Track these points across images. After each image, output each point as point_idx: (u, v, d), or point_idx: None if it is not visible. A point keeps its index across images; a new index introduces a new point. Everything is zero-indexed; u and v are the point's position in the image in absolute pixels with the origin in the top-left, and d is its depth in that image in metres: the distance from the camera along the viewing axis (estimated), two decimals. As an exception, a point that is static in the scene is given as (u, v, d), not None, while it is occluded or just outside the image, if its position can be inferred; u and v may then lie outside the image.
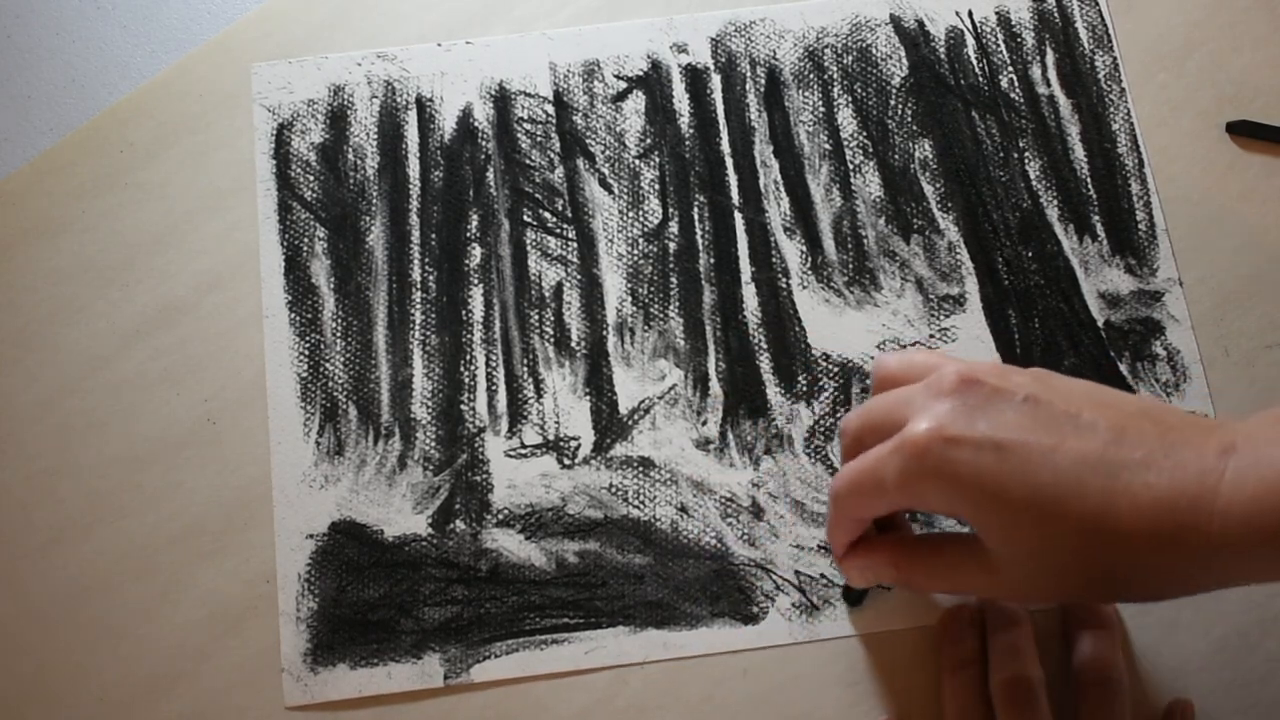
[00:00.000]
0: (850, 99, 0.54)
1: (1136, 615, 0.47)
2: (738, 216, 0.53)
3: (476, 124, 0.54)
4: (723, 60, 0.55)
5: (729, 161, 0.53)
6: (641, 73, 0.54)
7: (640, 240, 0.52)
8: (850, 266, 0.52)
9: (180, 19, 0.57)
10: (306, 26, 0.55)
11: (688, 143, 0.53)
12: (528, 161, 0.53)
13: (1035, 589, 0.40)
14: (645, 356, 0.51)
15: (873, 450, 0.40)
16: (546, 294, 0.52)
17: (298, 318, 0.51)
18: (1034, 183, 0.53)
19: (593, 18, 0.55)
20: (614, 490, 0.49)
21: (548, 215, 0.53)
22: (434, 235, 0.52)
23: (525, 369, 0.51)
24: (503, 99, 0.54)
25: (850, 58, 0.55)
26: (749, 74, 0.54)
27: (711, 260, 0.52)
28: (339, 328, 0.51)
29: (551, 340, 0.51)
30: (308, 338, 0.51)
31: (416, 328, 0.51)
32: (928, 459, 0.37)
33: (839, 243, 0.52)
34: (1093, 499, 0.36)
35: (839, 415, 0.50)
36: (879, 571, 0.43)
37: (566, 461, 0.49)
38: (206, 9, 0.57)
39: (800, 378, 0.50)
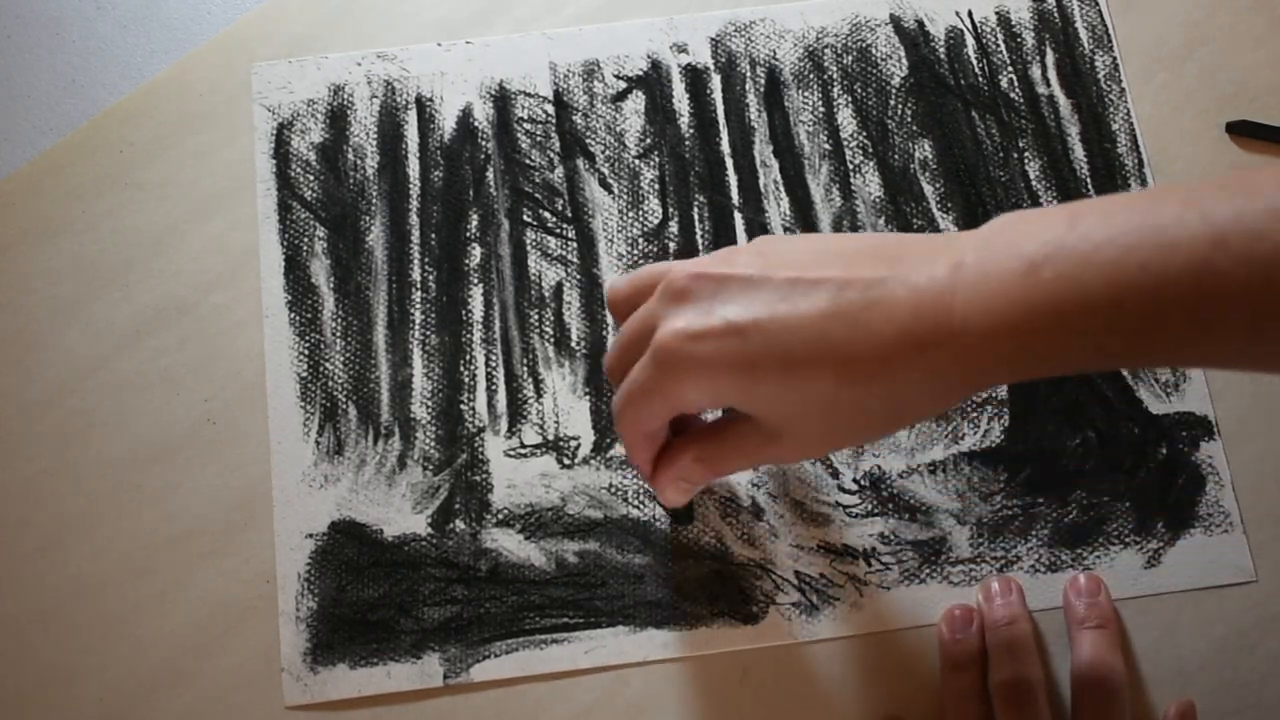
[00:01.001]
0: (850, 99, 0.54)
1: (1136, 615, 0.47)
2: (738, 216, 0.53)
3: (476, 124, 0.54)
4: (723, 60, 0.55)
5: (729, 161, 0.53)
6: (641, 73, 0.54)
7: (640, 240, 0.52)
8: (850, 266, 0.52)
9: (180, 19, 0.57)
10: (306, 26, 0.55)
11: (688, 143, 0.53)
12: (528, 161, 0.53)
13: (822, 439, 0.41)
14: (645, 356, 0.51)
15: (632, 369, 0.40)
16: (546, 294, 0.52)
17: (298, 318, 0.51)
18: (1034, 183, 0.53)
19: (593, 18, 0.55)
20: (614, 490, 0.49)
21: (548, 215, 0.53)
22: (434, 235, 0.52)
23: (525, 369, 0.51)
24: (503, 99, 0.54)
25: (850, 58, 0.55)
26: (749, 74, 0.54)
27: (711, 260, 0.52)
28: (339, 327, 0.51)
29: (551, 340, 0.51)
30: (308, 337, 0.51)
31: (416, 327, 0.51)
32: (679, 360, 0.38)
33: (839, 243, 0.52)
34: (839, 346, 0.37)
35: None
36: (687, 472, 0.43)
37: (566, 461, 0.49)
38: (206, 9, 0.57)
39: (800, 378, 0.50)
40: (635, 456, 0.43)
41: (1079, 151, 0.53)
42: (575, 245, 0.52)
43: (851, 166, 0.53)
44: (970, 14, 0.55)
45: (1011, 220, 0.36)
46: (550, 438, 0.50)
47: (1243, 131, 0.53)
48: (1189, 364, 0.35)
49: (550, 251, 0.52)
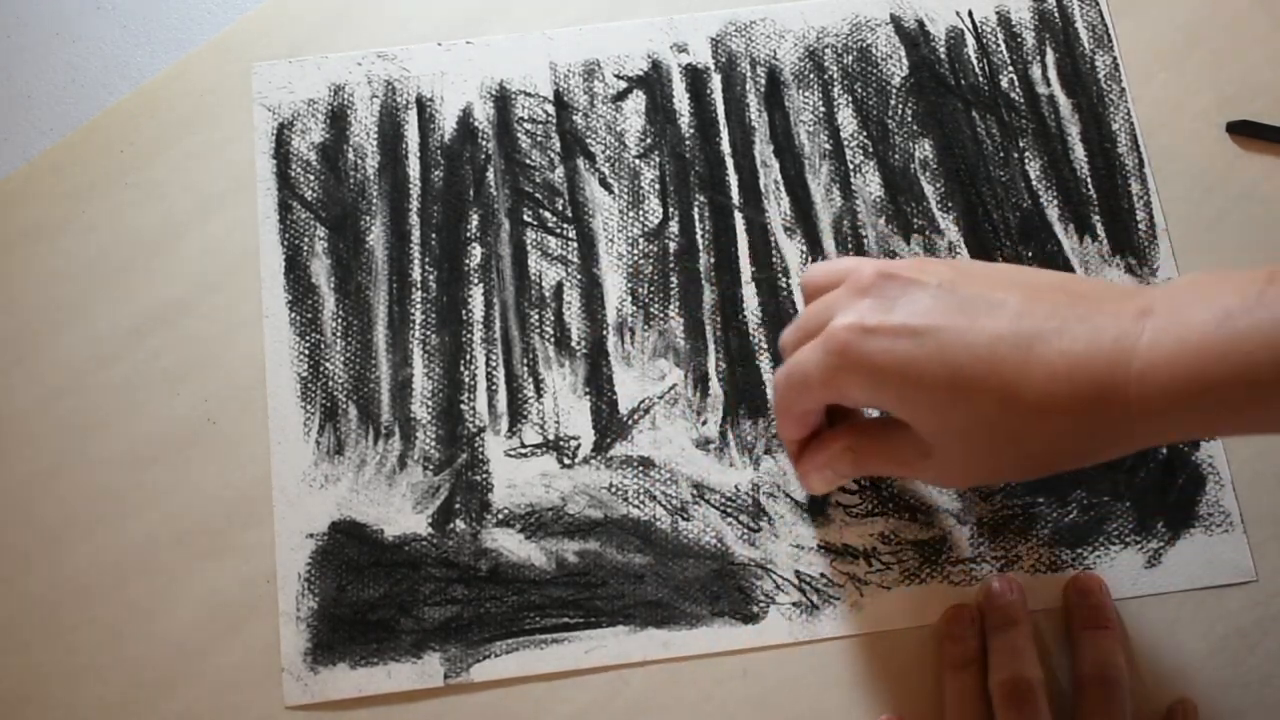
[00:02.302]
0: (850, 99, 0.54)
1: (1136, 615, 0.47)
2: (738, 216, 0.53)
3: (476, 124, 0.54)
4: (723, 60, 0.55)
5: (729, 161, 0.53)
6: (642, 72, 0.54)
7: (640, 240, 0.52)
8: (850, 266, 0.52)
9: (180, 19, 0.56)
10: (306, 26, 0.55)
11: (688, 142, 0.53)
12: (528, 161, 0.53)
13: (968, 469, 0.40)
14: (645, 356, 0.51)
15: (801, 349, 0.41)
16: (546, 294, 0.52)
17: (298, 317, 0.51)
18: (1034, 183, 0.53)
19: (593, 18, 0.55)
20: (614, 490, 0.49)
21: (548, 215, 0.53)
22: (434, 235, 0.52)
23: (525, 369, 0.51)
24: (503, 99, 0.54)
25: (850, 58, 0.55)
26: (749, 74, 0.54)
27: (711, 260, 0.52)
28: (339, 327, 0.51)
29: (551, 340, 0.51)
30: (308, 337, 0.51)
31: (416, 327, 0.51)
32: (848, 351, 0.38)
33: (839, 243, 0.52)
34: (1009, 372, 0.36)
35: (839, 415, 0.50)
36: (836, 462, 0.43)
37: (566, 461, 0.49)
38: (206, 9, 0.57)
39: (800, 377, 0.50)
40: (785, 433, 0.44)
41: (1079, 151, 0.53)
42: (575, 245, 0.52)
43: (852, 166, 0.53)
44: (970, 14, 0.55)
45: (1203, 276, 0.36)
46: (550, 438, 0.50)
47: (1243, 131, 0.53)
48: None
49: (550, 251, 0.52)
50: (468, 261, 0.52)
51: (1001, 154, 0.53)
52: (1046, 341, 0.36)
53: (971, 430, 0.38)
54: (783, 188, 0.53)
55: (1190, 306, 0.35)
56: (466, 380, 0.50)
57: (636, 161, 0.53)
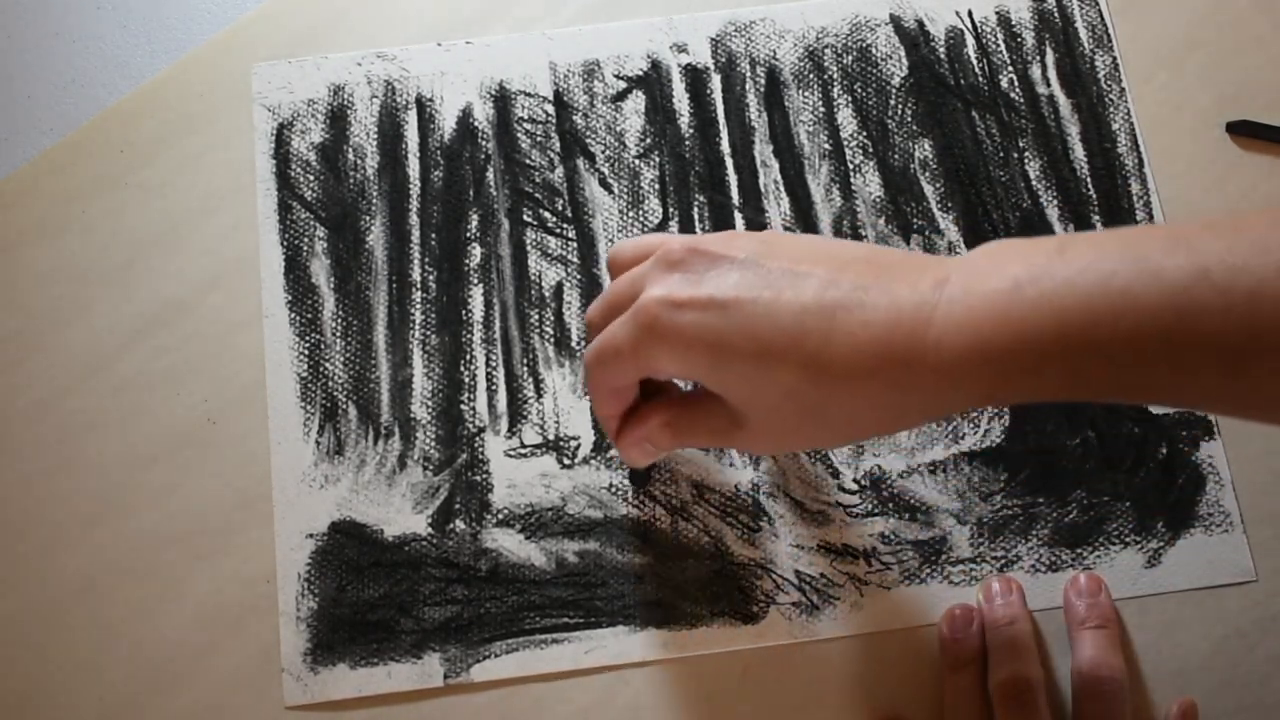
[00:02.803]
0: (850, 99, 0.54)
1: (1136, 615, 0.47)
2: (738, 216, 0.53)
3: (476, 124, 0.54)
4: (723, 60, 0.55)
5: (729, 161, 0.53)
6: (641, 73, 0.54)
7: (640, 240, 0.52)
8: (850, 266, 0.52)
9: (180, 19, 0.57)
10: (306, 26, 0.55)
11: (688, 142, 0.53)
12: (528, 161, 0.53)
13: (780, 438, 0.41)
14: (645, 356, 0.51)
15: (610, 324, 0.41)
16: (546, 294, 0.52)
17: (298, 318, 0.51)
18: (1034, 182, 0.53)
19: (593, 18, 0.55)
20: (614, 490, 0.49)
21: (548, 215, 0.53)
22: (434, 235, 0.52)
23: (525, 369, 0.51)
24: (503, 99, 0.54)
25: (850, 58, 0.55)
26: (749, 74, 0.54)
27: (711, 260, 0.52)
28: (339, 328, 0.51)
29: (551, 340, 0.51)
30: (308, 338, 0.51)
31: (416, 327, 0.51)
32: (657, 325, 0.38)
33: (839, 243, 0.52)
34: (812, 343, 0.36)
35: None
36: (654, 436, 0.43)
37: (566, 461, 0.49)
38: (206, 9, 0.57)
39: (800, 378, 0.50)
40: (601, 410, 0.43)
41: (1079, 151, 0.53)
42: (575, 245, 0.52)
43: (851, 166, 0.53)
44: (970, 14, 0.55)
45: (1000, 245, 0.36)
46: (550, 438, 0.50)
47: (1243, 131, 0.53)
48: (1169, 401, 0.34)
49: (550, 251, 0.52)
50: (467, 261, 0.52)
51: (1001, 154, 0.53)
52: (849, 311, 0.36)
53: (780, 401, 0.38)
54: (782, 188, 0.53)
55: (983, 275, 0.35)
56: (466, 380, 0.50)
57: (636, 161, 0.53)
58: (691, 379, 0.41)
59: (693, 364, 0.39)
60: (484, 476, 0.49)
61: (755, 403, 0.39)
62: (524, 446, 0.50)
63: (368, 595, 0.48)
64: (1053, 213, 0.52)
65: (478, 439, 0.50)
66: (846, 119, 0.54)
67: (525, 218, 0.52)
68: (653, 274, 0.40)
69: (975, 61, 0.54)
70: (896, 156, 0.53)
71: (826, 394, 0.37)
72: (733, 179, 0.53)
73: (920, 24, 0.55)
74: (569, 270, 0.52)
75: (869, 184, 0.53)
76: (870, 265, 0.38)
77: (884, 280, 0.37)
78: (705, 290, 0.38)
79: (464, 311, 0.51)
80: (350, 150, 0.53)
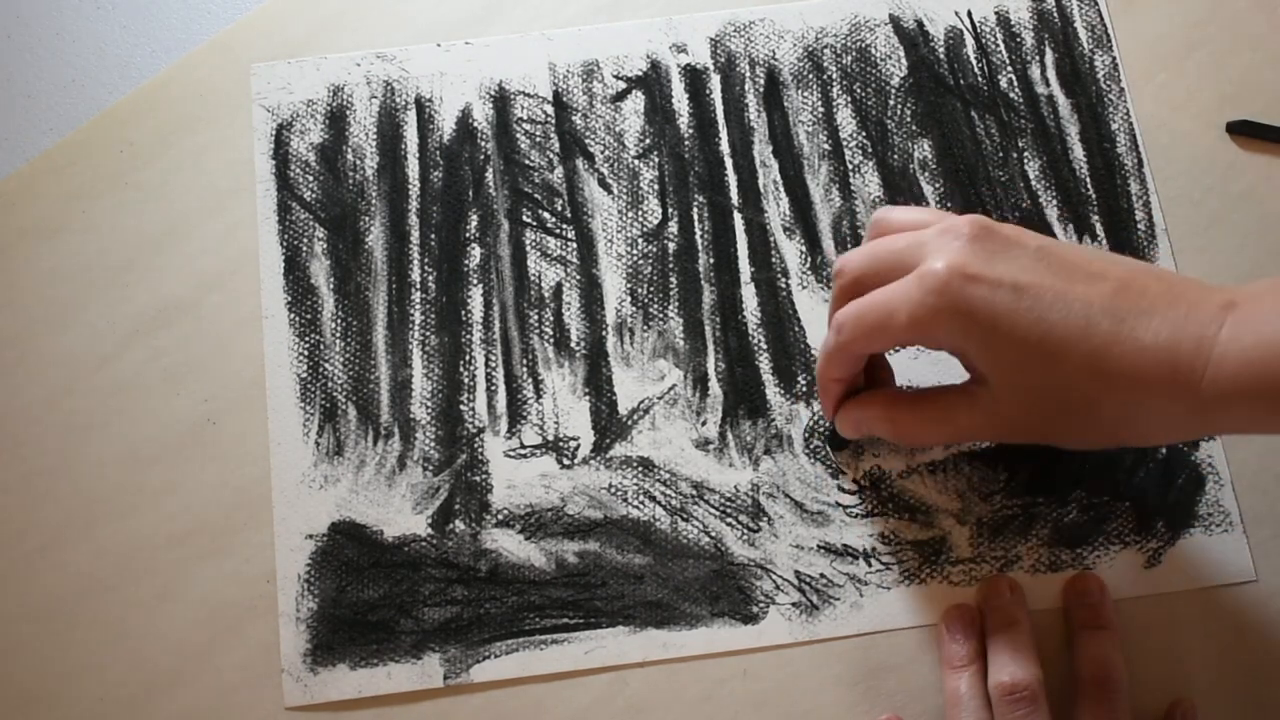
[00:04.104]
0: (849, 99, 0.54)
1: (1136, 615, 0.47)
2: (737, 216, 0.53)
3: (476, 124, 0.54)
4: (722, 60, 0.55)
5: (728, 161, 0.53)
6: (641, 73, 0.54)
7: (640, 240, 0.52)
8: (850, 266, 0.52)
9: (180, 19, 0.57)
10: (306, 26, 0.55)
11: (687, 143, 0.53)
12: (527, 162, 0.53)
13: (1032, 427, 0.42)
14: (645, 356, 0.51)
15: (885, 287, 0.41)
16: (546, 294, 0.52)
17: (297, 318, 0.51)
18: (1033, 182, 0.53)
19: (592, 18, 0.55)
20: (614, 490, 0.49)
21: (547, 215, 0.53)
22: (433, 235, 0.52)
23: (525, 369, 0.51)
24: (502, 99, 0.54)
25: (849, 58, 0.55)
26: (748, 74, 0.54)
27: (711, 260, 0.52)
28: (338, 328, 0.51)
29: (551, 340, 0.51)
30: (307, 338, 0.51)
31: (416, 328, 0.51)
32: (946, 294, 0.39)
33: (839, 243, 0.52)
34: (1098, 340, 0.38)
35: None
36: (871, 423, 0.45)
37: (566, 462, 0.49)
38: (206, 9, 0.57)
39: (800, 378, 0.50)
40: (831, 371, 0.44)
41: (1078, 151, 0.53)
42: (575, 245, 0.52)
43: (851, 166, 0.53)
44: (970, 14, 0.55)
45: None
46: (550, 438, 0.50)
47: (1243, 131, 0.53)
48: None
49: (550, 252, 0.52)
50: (467, 262, 0.52)
51: (1001, 154, 0.53)
52: (1138, 320, 0.38)
53: (1048, 390, 0.39)
54: (782, 188, 0.53)
55: (1271, 305, 0.37)
56: (466, 381, 0.50)
57: (635, 162, 0.53)
58: (959, 353, 0.41)
59: (972, 339, 0.40)
60: (484, 477, 0.49)
61: (1019, 388, 0.40)
62: (524, 447, 0.50)
63: (368, 596, 0.48)
64: (1052, 213, 0.52)
65: (477, 439, 0.50)
66: (846, 119, 0.54)
67: (525, 218, 0.52)
68: (938, 243, 0.40)
69: (974, 61, 0.54)
70: (896, 156, 0.53)
71: (1101, 393, 0.38)
72: (732, 179, 0.53)
73: (919, 24, 0.55)
74: (568, 271, 0.52)
75: (868, 184, 0.53)
76: (1158, 279, 0.39)
77: (1172, 297, 0.38)
78: (999, 270, 0.39)
79: (463, 312, 0.51)
80: (350, 151, 0.53)
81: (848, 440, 0.49)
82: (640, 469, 0.49)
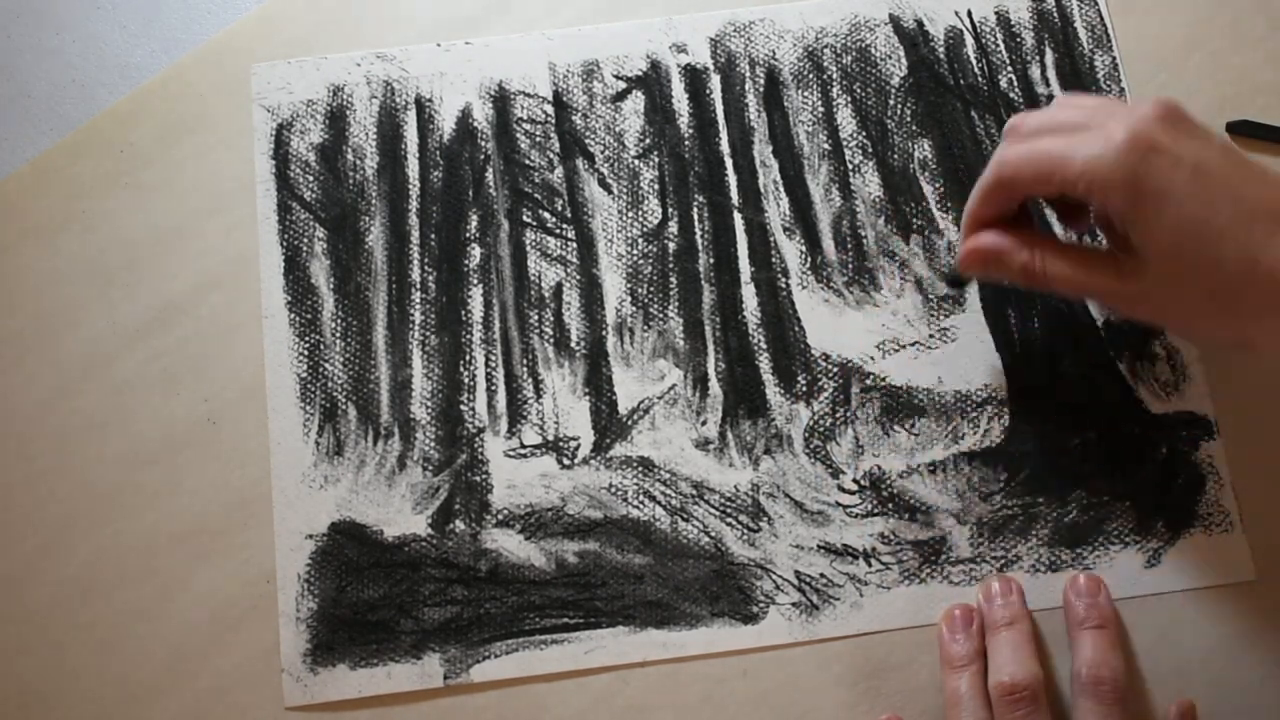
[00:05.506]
0: (849, 99, 0.54)
1: (1136, 615, 0.47)
2: (737, 216, 0.53)
3: (476, 124, 0.54)
4: (722, 60, 0.55)
5: (728, 161, 0.53)
6: (641, 73, 0.54)
7: (640, 240, 0.52)
8: (850, 266, 0.52)
9: (180, 19, 0.57)
10: (306, 26, 0.55)
11: (687, 143, 0.53)
12: (527, 162, 0.53)
13: (1167, 309, 0.43)
14: (645, 356, 0.51)
15: (1064, 137, 0.42)
16: (546, 294, 0.52)
17: (297, 318, 0.51)
18: (1034, 182, 0.53)
19: (592, 18, 0.55)
20: (614, 490, 0.49)
21: (547, 215, 0.53)
22: (433, 235, 0.52)
23: (525, 369, 0.51)
24: (502, 99, 0.54)
25: (849, 58, 0.55)
26: (748, 74, 0.54)
27: (711, 260, 0.52)
28: (338, 328, 0.51)
29: (551, 340, 0.51)
30: (307, 338, 0.51)
31: (416, 328, 0.51)
32: (1129, 156, 0.40)
33: (838, 243, 0.52)
34: (1256, 238, 0.40)
35: (838, 416, 0.50)
36: (1009, 257, 0.45)
37: (566, 462, 0.49)
38: (206, 9, 0.57)
39: (800, 378, 0.50)
40: (982, 209, 0.45)
41: (1079, 151, 0.53)
42: (575, 245, 0.52)
43: (851, 166, 0.53)
44: (970, 14, 0.55)
45: None
46: (550, 438, 0.50)
47: (1243, 131, 0.53)
48: None
49: (550, 252, 0.52)
50: (467, 262, 0.52)
51: (1001, 154, 0.53)
52: None
53: (1194, 273, 0.41)
54: (782, 188, 0.53)
55: None
56: (466, 381, 0.50)
57: (635, 162, 0.53)
58: (1122, 216, 0.42)
59: (1139, 208, 0.41)
60: (484, 477, 0.49)
61: (1169, 265, 0.41)
62: (524, 447, 0.50)
63: (368, 596, 0.48)
64: (1052, 213, 0.52)
65: (477, 439, 0.50)
66: (846, 119, 0.54)
67: (525, 218, 0.52)
68: (1129, 112, 0.42)
69: (974, 61, 0.54)
70: (896, 156, 0.53)
71: (1244, 286, 0.40)
72: (732, 179, 0.53)
73: (919, 24, 0.55)
74: (568, 270, 0.52)
75: (868, 184, 0.53)
76: None
77: None
78: (1184, 149, 0.40)
79: (464, 312, 0.51)
80: (350, 151, 0.53)
81: (965, 281, 0.50)
82: (640, 469, 0.49)
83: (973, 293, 0.51)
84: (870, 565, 0.48)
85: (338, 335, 0.51)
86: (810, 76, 0.54)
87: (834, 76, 0.54)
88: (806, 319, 0.51)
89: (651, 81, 0.54)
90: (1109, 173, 0.41)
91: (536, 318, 0.51)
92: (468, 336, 0.51)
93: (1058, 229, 0.52)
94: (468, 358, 0.51)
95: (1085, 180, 0.41)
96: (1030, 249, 0.45)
